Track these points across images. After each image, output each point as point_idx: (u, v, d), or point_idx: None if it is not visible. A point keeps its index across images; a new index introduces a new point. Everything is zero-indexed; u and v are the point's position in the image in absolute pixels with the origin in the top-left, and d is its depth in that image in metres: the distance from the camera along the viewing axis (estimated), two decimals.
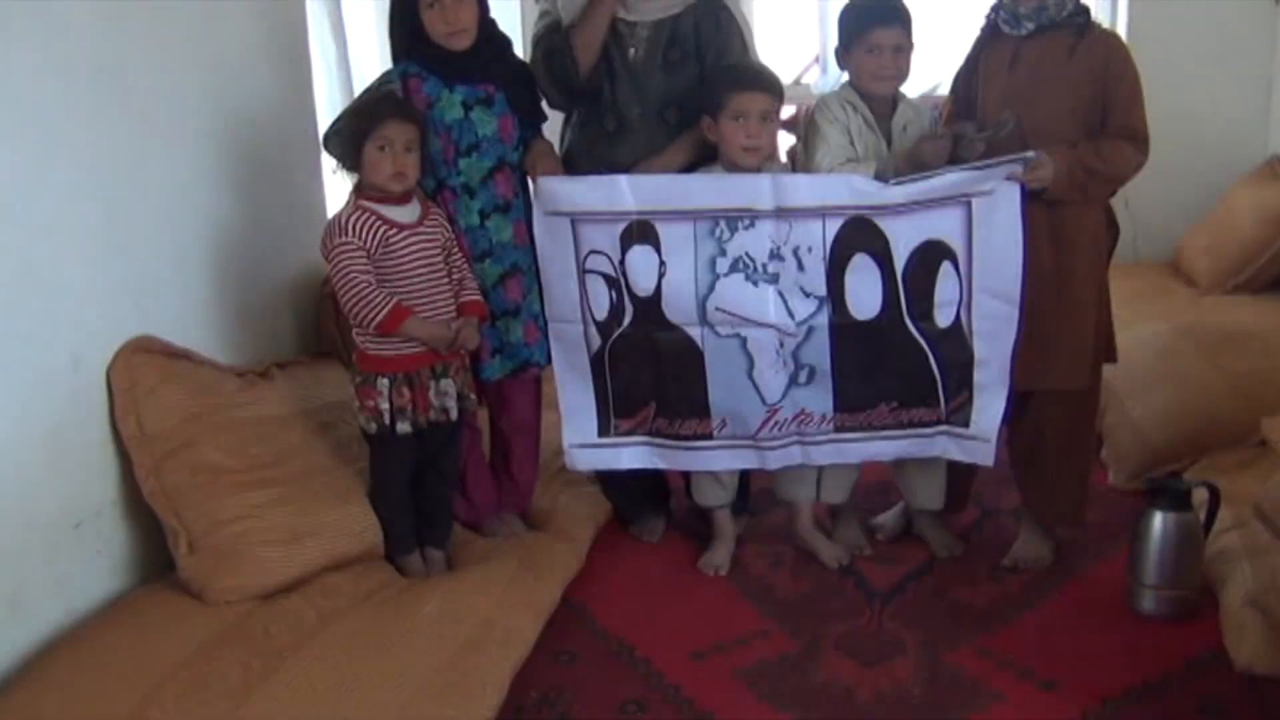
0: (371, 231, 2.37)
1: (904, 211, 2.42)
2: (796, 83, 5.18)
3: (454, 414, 2.50)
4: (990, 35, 2.60)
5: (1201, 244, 4.28)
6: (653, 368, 2.61)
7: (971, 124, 2.49)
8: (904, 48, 2.56)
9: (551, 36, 2.61)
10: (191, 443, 2.34)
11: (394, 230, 2.40)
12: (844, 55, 2.62)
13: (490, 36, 2.56)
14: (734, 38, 2.64)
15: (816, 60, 5.08)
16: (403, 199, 2.43)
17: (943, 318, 2.51)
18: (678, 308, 2.54)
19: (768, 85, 2.54)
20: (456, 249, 2.53)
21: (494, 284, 2.62)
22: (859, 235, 2.45)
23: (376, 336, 2.39)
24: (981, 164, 2.39)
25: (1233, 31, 4.46)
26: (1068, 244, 2.51)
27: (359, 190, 2.43)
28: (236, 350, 2.74)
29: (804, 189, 2.45)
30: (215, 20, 2.72)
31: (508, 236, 2.61)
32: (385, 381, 2.42)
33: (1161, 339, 3.27)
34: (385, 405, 2.42)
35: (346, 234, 2.36)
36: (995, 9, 2.58)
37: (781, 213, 2.45)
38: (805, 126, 2.64)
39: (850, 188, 2.43)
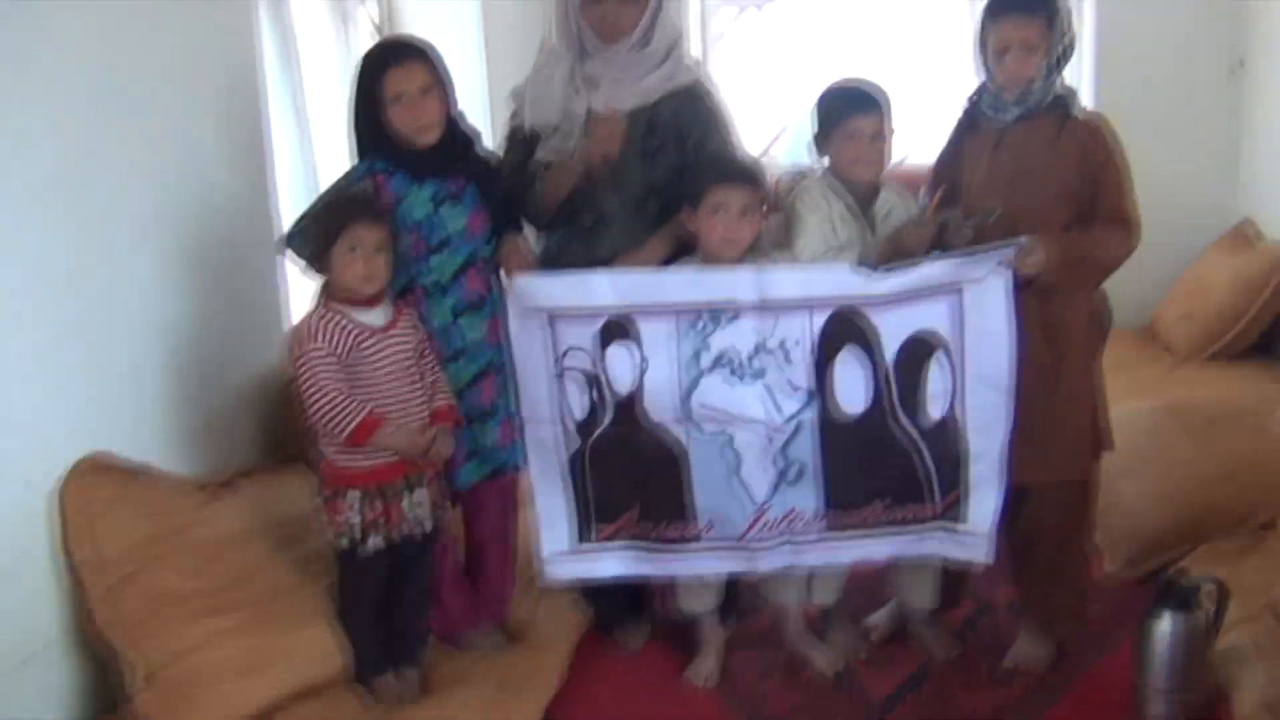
0: (342, 336, 2.25)
1: (892, 303, 2.33)
2: (764, 154, 5.13)
3: (428, 526, 2.37)
4: (971, 121, 2.53)
5: (1178, 311, 4.24)
6: (634, 469, 2.49)
7: (957, 210, 2.41)
8: (882, 135, 2.49)
9: (519, 173, 2.53)
10: (148, 567, 2.20)
11: (365, 334, 2.28)
12: (822, 142, 2.54)
13: (457, 131, 2.46)
14: (714, 125, 2.56)
15: (784, 132, 5.04)
16: (373, 301, 2.31)
17: (934, 411, 2.41)
18: (660, 406, 2.43)
19: (749, 177, 2.46)
20: (429, 351, 2.41)
21: (467, 385, 2.50)
22: (846, 328, 2.35)
23: (347, 447, 2.26)
24: (972, 250, 2.30)
25: (1195, 99, 4.46)
26: (1060, 334, 2.43)
27: (327, 293, 2.31)
28: (198, 458, 2.61)
29: (788, 281, 2.36)
30: (172, 121, 2.61)
31: (481, 335, 2.50)
32: (356, 494, 2.28)
33: (1149, 417, 3.19)
34: (356, 520, 2.28)
35: (315, 339, 2.24)
36: (978, 94, 2.52)
37: (766, 306, 2.35)
38: (785, 211, 2.55)
39: (836, 279, 2.34)
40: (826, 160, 2.55)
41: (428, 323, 2.44)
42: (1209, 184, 4.51)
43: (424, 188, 2.42)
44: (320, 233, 2.28)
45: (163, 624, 2.16)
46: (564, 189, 2.49)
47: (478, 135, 2.54)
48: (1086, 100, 4.50)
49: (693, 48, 4.86)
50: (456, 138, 2.46)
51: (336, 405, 2.20)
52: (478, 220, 2.48)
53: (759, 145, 5.06)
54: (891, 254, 2.37)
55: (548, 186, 2.49)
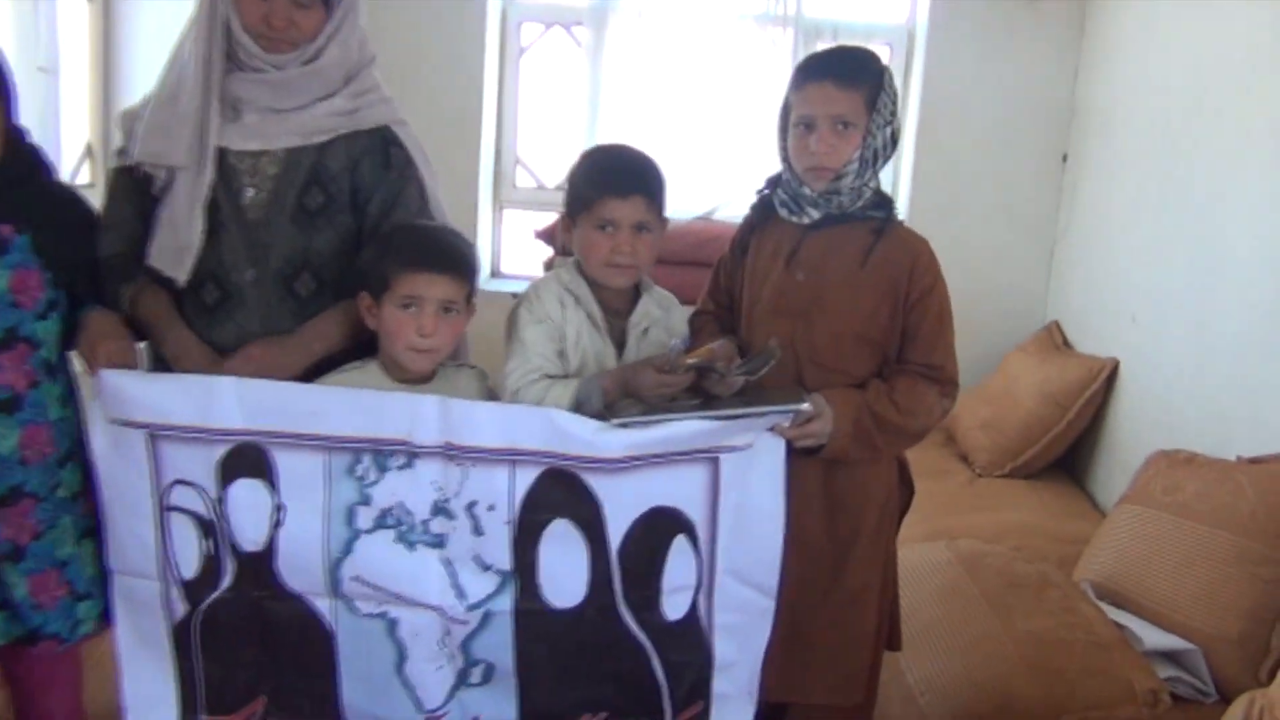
0: None
1: (625, 468, 1.62)
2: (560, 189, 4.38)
3: None
4: (763, 217, 1.85)
5: (979, 418, 3.73)
6: (264, 648, 1.73)
7: (727, 343, 1.73)
8: (649, 226, 1.78)
9: (121, 230, 1.76)
10: None
11: None
12: (568, 228, 1.82)
13: (16, 156, 1.62)
14: (410, 184, 1.82)
15: None
16: None
17: (672, 608, 1.72)
18: (299, 571, 1.67)
19: (451, 266, 1.71)
20: None
21: None
22: (560, 494, 1.64)
23: None
24: (736, 413, 1.61)
25: (1019, 185, 3.99)
26: (848, 514, 1.79)
27: None
28: None
29: (485, 421, 1.62)
30: None
31: (9, 448, 1.69)
32: None
33: (942, 572, 2.60)
34: None
35: None
36: (772, 184, 1.84)
37: (453, 452, 1.61)
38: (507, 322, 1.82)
39: (552, 427, 1.61)
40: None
41: None
42: (1023, 279, 4.08)
43: None
44: None
45: None
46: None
47: (43, 166, 1.71)
48: (904, 181, 4.03)
49: (490, 61, 4.07)
50: (12, 165, 1.62)
51: None
52: (28, 282, 1.68)
53: (555, 179, 4.33)
54: (617, 396, 1.67)
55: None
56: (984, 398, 3.80)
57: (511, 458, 1.61)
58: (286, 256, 1.76)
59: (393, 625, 1.68)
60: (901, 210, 4.05)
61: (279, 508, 1.64)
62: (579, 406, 1.67)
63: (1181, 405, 2.98)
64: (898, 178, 4.12)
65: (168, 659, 1.74)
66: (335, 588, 1.66)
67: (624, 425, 1.60)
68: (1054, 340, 3.85)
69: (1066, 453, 3.58)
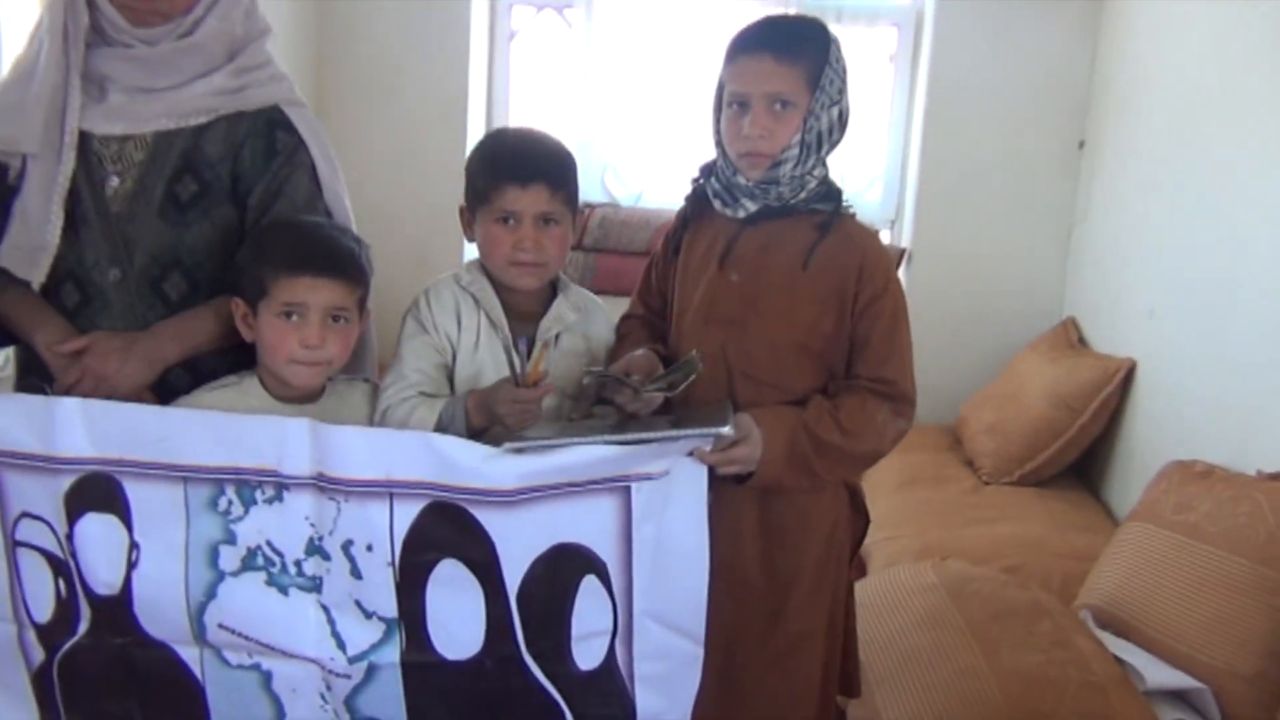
0: None
1: (520, 500, 1.40)
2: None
3: None
4: (698, 210, 1.62)
5: (986, 420, 3.47)
6: (132, 699, 1.52)
7: (646, 354, 1.50)
8: (556, 218, 1.56)
9: None
10: None
11: None
12: (469, 223, 1.60)
13: None
14: (298, 171, 1.61)
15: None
16: None
17: (585, 657, 1.50)
18: (159, 617, 1.47)
19: (337, 268, 1.50)
20: None
21: None
22: (446, 531, 1.42)
23: None
24: (644, 436, 1.39)
25: (1033, 174, 3.72)
26: (787, 550, 1.57)
27: None
28: None
29: (358, 448, 1.40)
30: None
31: None
32: None
33: (925, 597, 2.36)
34: None
35: None
36: (706, 173, 1.61)
37: (326, 484, 1.39)
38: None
39: (433, 453, 1.39)
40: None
41: None
42: (1039, 272, 3.80)
43: None
44: None
45: None
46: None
47: None
48: (913, 163, 3.77)
49: (477, 45, 3.87)
50: None
51: None
52: None
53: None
54: (486, 420, 1.45)
55: None
56: (991, 400, 3.55)
57: (388, 489, 1.39)
58: (153, 254, 1.55)
59: (267, 678, 1.47)
60: (909, 201, 3.91)
61: (133, 546, 1.44)
62: (443, 431, 1.46)
63: (1200, 408, 2.71)
64: (906, 167, 3.87)
65: (31, 708, 1.55)
66: (200, 635, 1.46)
67: (518, 451, 1.37)
68: (1069, 338, 3.58)
69: (1080, 459, 3.31)
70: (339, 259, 1.51)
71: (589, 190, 3.95)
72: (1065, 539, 2.90)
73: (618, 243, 3.81)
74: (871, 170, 3.95)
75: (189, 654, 1.48)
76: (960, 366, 3.73)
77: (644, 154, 3.99)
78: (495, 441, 1.40)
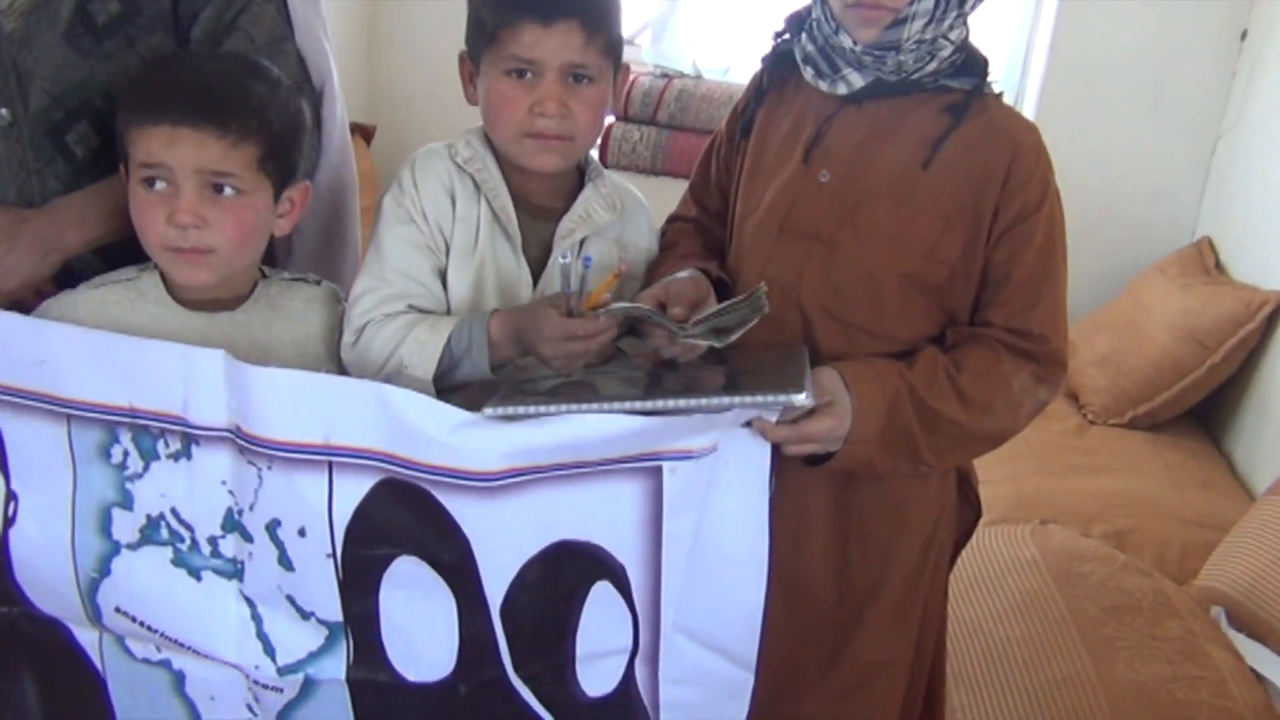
0: None
1: (503, 486, 0.98)
2: (630, 42, 3.65)
3: None
4: (778, 81, 1.16)
5: (1099, 350, 2.99)
6: (19, 678, 1.18)
7: (695, 278, 1.07)
8: (590, 74, 1.11)
9: None
10: None
11: None
12: (470, 77, 1.15)
13: None
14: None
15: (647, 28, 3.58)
16: None
17: (595, 681, 1.10)
18: (45, 588, 1.12)
19: (211, 117, 1.04)
20: None
21: None
22: (402, 517, 1.01)
23: None
24: (684, 403, 0.96)
25: (1180, 67, 3.13)
26: (870, 553, 1.14)
27: None
28: None
29: (286, 398, 0.99)
30: None
31: None
32: None
33: (1024, 575, 1.92)
34: None
35: None
36: (794, 27, 1.14)
37: (246, 441, 0.99)
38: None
39: (386, 413, 0.97)
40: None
41: None
42: (1173, 184, 3.26)
43: None
44: None
45: None
46: None
47: None
48: (1041, 55, 3.18)
49: None
50: None
51: None
52: None
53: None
54: (516, 352, 1.04)
55: None
56: (1106, 326, 3.05)
57: (326, 456, 0.99)
58: (54, 93, 1.13)
59: (179, 679, 1.11)
60: (1031, 85, 3.35)
61: (10, 497, 1.07)
62: (454, 364, 1.05)
63: None
64: (1031, 46, 3.29)
65: None
66: (95, 617, 1.10)
67: (505, 418, 0.96)
68: (1203, 262, 3.05)
69: (1203, 402, 2.83)
70: (214, 101, 1.06)
71: (670, 57, 3.46)
72: (1184, 498, 2.46)
73: (695, 120, 3.32)
74: (990, 46, 3.38)
75: (86, 637, 1.13)
76: (1071, 281, 3.21)
77: (737, 21, 3.42)
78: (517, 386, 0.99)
